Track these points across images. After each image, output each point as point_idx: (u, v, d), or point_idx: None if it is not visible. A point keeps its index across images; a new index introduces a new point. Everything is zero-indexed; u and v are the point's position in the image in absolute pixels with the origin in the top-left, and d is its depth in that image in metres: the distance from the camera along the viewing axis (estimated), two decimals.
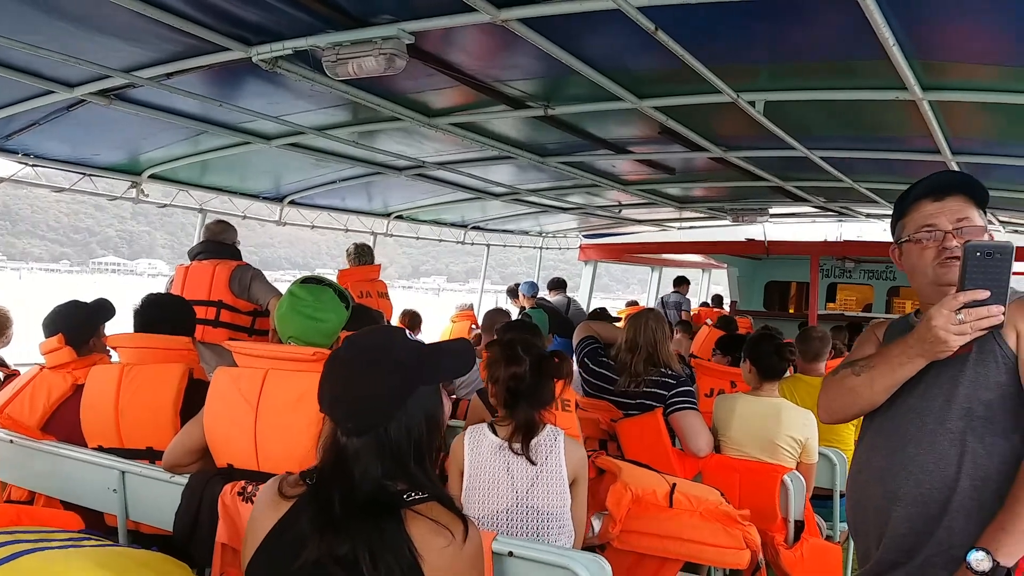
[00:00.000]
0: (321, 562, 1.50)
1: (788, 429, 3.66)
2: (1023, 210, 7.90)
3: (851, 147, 5.68)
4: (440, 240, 11.41)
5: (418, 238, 10.81)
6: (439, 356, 1.77)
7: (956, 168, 5.66)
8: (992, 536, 1.73)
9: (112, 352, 3.26)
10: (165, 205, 7.28)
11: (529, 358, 2.69)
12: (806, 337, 4.75)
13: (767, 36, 3.63)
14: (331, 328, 2.61)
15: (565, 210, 9.88)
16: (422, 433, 1.64)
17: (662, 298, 12.44)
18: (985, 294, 1.73)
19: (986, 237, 1.92)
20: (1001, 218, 8.54)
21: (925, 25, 3.22)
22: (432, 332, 9.34)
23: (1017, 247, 1.89)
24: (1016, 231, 9.55)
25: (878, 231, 10.67)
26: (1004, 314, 1.73)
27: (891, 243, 2.10)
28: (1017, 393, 1.82)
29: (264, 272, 5.17)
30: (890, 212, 6.64)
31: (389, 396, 1.63)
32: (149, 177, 6.38)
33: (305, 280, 2.73)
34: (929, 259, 1.94)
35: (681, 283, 12.19)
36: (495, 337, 4.18)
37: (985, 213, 1.99)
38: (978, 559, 1.72)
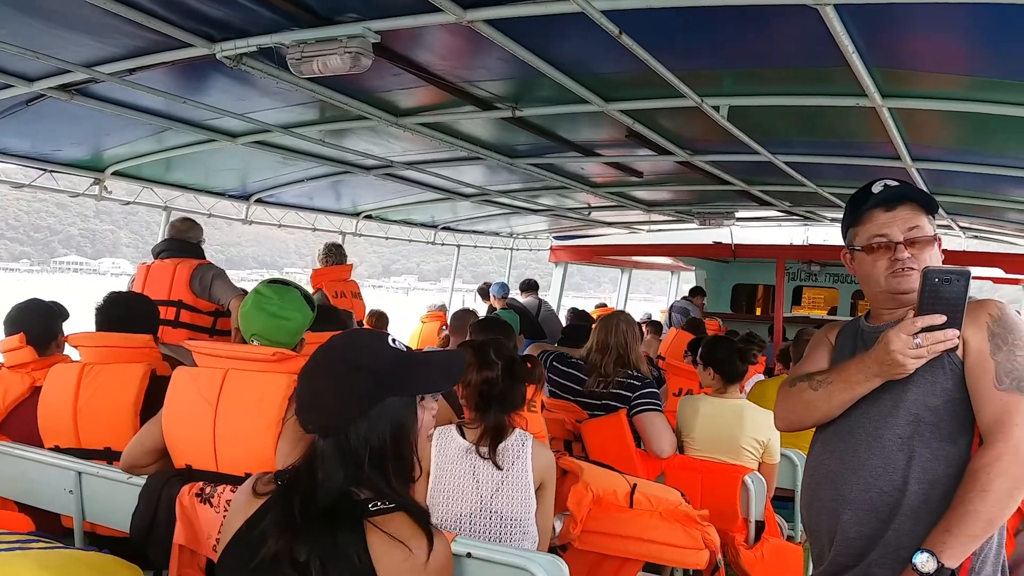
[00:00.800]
0: (278, 560, 1.51)
1: (750, 430, 3.71)
2: (982, 216, 8.05)
3: (814, 152, 5.76)
4: (410, 240, 11.37)
5: (388, 238, 10.77)
6: (418, 368, 1.71)
7: (917, 175, 5.76)
8: (937, 538, 1.76)
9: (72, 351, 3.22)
10: (129, 203, 7.17)
11: (501, 362, 2.68)
12: (798, 340, 4.86)
13: (731, 42, 3.67)
14: (295, 327, 2.59)
15: (535, 211, 9.90)
16: (384, 443, 1.61)
17: (672, 304, 12.40)
18: (942, 319, 1.78)
19: (936, 246, 1.98)
20: (961, 224, 8.70)
21: (884, 34, 3.27)
22: (401, 333, 9.31)
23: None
24: (976, 237, 9.73)
25: (836, 236, 10.82)
26: (959, 337, 1.79)
27: (843, 248, 2.14)
28: (964, 399, 1.86)
29: (231, 271, 5.11)
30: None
31: (348, 400, 1.60)
32: (112, 174, 6.28)
33: (272, 281, 2.71)
34: (881, 269, 1.98)
35: (696, 293, 12.20)
36: (464, 338, 4.18)
37: (934, 219, 2.03)
38: (923, 561, 1.75)
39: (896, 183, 2.01)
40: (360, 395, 1.60)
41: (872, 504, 1.90)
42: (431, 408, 1.73)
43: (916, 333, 1.79)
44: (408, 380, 1.66)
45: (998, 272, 11.62)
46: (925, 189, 6.13)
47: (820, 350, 2.20)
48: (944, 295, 1.79)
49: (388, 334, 1.74)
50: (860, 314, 2.22)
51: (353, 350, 1.67)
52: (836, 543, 1.96)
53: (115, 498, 2.62)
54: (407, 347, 1.73)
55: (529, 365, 2.76)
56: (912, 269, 1.93)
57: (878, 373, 1.87)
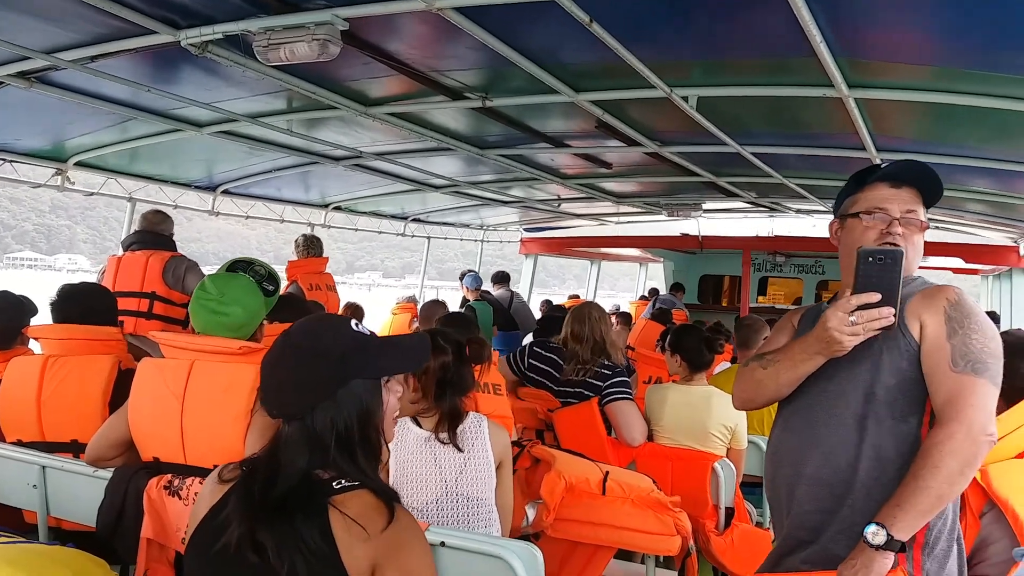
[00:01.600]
0: (240, 546, 1.50)
1: (718, 416, 3.74)
2: (943, 207, 8.18)
3: (781, 143, 5.81)
4: (380, 232, 11.29)
5: (357, 230, 10.69)
6: (382, 350, 1.70)
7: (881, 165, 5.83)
8: (888, 512, 1.81)
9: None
10: (92, 193, 7.04)
11: (450, 346, 2.70)
12: (739, 325, 4.93)
13: (700, 32, 3.69)
14: (236, 321, 2.53)
15: (506, 203, 9.89)
16: (350, 427, 1.61)
17: (659, 296, 12.43)
18: (877, 297, 1.84)
19: (920, 236, 2.03)
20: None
21: (851, 24, 3.30)
22: (374, 325, 9.26)
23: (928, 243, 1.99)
24: (937, 227, 9.89)
25: (807, 227, 10.95)
26: (895, 315, 1.84)
27: (834, 220, 2.17)
28: (918, 379, 1.91)
29: None
30: (819, 208, 6.85)
31: (312, 384, 1.60)
32: (75, 165, 6.17)
33: (231, 266, 2.67)
34: (870, 239, 2.01)
35: (678, 288, 12.26)
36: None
37: (927, 211, 2.06)
38: (873, 532, 1.79)
39: (906, 161, 2.06)
40: (324, 379, 1.60)
41: (827, 480, 1.95)
42: (396, 391, 1.73)
43: (852, 311, 1.84)
44: (372, 362, 1.66)
45: (958, 262, 11.86)
46: None
47: (782, 334, 2.25)
48: (878, 274, 1.85)
49: (351, 318, 1.73)
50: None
51: (314, 334, 1.66)
52: (792, 517, 2.02)
53: (80, 492, 2.58)
54: (370, 332, 1.72)
55: (475, 345, 2.78)
56: (898, 246, 1.96)
57: (819, 351, 1.92)
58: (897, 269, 1.85)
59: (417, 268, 12.56)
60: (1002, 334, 1.96)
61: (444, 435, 2.57)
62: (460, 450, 2.57)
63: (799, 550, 2.00)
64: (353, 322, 1.71)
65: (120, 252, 5.11)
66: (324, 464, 1.58)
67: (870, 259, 1.85)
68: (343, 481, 1.56)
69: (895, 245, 1.96)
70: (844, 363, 1.95)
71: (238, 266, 2.68)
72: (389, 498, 1.58)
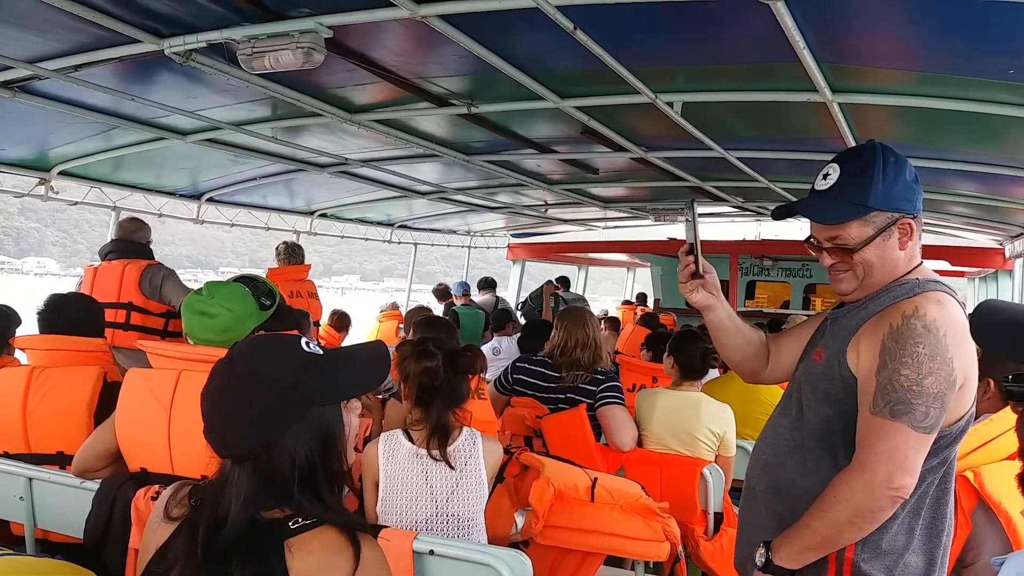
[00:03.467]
0: None
1: (707, 422, 3.74)
2: (929, 210, 8.24)
3: (766, 148, 5.84)
4: (366, 239, 11.28)
5: (343, 237, 10.66)
6: (338, 370, 1.52)
7: None
8: (779, 539, 1.83)
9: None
10: (77, 203, 7.01)
11: (441, 353, 2.64)
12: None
13: (685, 38, 3.70)
14: (220, 324, 2.51)
15: (492, 209, 9.90)
16: (311, 459, 1.43)
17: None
18: (687, 246, 2.05)
19: (865, 251, 1.90)
20: None
21: (834, 30, 3.33)
22: (360, 332, 9.23)
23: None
24: (923, 231, 9.94)
25: (795, 230, 11.00)
26: (695, 263, 2.04)
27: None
28: (852, 412, 1.81)
29: None
30: None
31: (266, 418, 1.42)
32: (59, 174, 6.13)
33: (236, 280, 2.67)
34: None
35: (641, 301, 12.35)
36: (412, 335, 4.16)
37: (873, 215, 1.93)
38: (760, 553, 1.83)
39: (836, 172, 1.90)
40: (279, 412, 1.42)
41: (765, 499, 1.98)
42: (355, 409, 1.59)
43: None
44: (330, 386, 1.49)
45: (944, 264, 11.94)
46: None
47: (813, 320, 2.18)
48: (689, 224, 2.06)
49: (300, 336, 1.57)
50: (813, 308, 2.27)
51: (263, 361, 1.47)
52: (739, 530, 2.10)
53: (68, 504, 2.56)
54: (324, 348, 1.57)
55: (468, 355, 2.73)
56: (844, 272, 1.90)
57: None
58: (689, 218, 2.03)
59: (396, 271, 12.58)
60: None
61: (436, 451, 2.51)
62: (452, 467, 2.51)
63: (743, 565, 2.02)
64: (304, 341, 1.54)
65: (97, 261, 5.06)
66: (279, 504, 1.42)
67: (684, 206, 2.07)
68: (299, 520, 1.40)
69: (841, 273, 1.91)
70: (793, 390, 1.98)
71: (241, 280, 2.67)
72: (353, 533, 1.42)
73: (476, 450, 2.57)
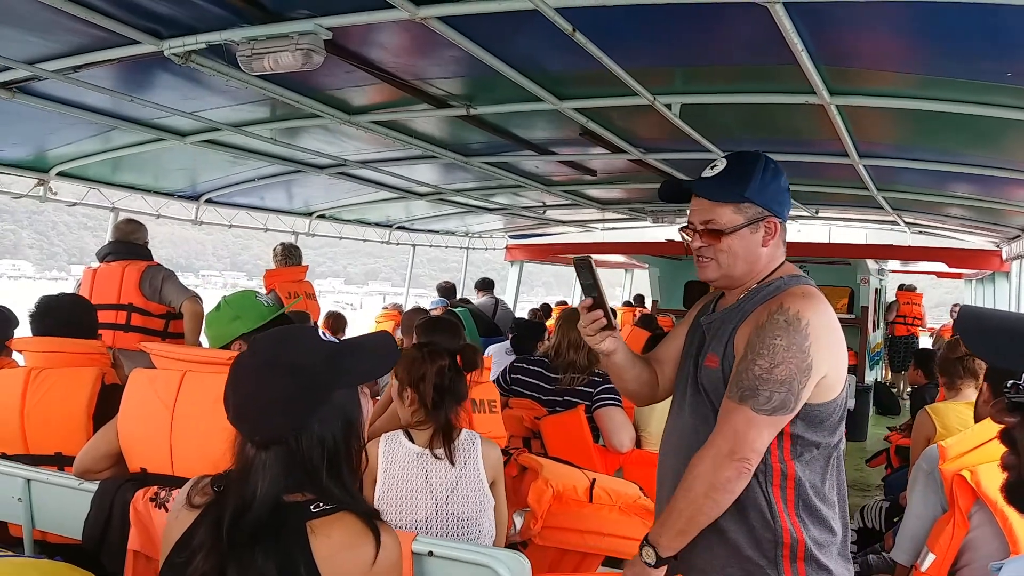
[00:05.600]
0: None
1: None
2: (927, 212, 8.26)
3: (764, 149, 5.76)
4: (364, 240, 11.28)
5: (341, 238, 10.68)
6: (356, 356, 1.63)
7: (864, 171, 5.89)
8: (655, 530, 1.91)
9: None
10: (75, 204, 7.01)
11: (445, 354, 2.68)
12: None
13: (683, 40, 3.71)
14: (233, 312, 2.70)
15: (491, 210, 9.90)
16: (337, 443, 1.52)
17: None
18: (589, 302, 2.03)
19: (732, 237, 2.02)
20: (906, 219, 8.90)
21: (833, 33, 3.33)
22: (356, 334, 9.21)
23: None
24: (920, 232, 9.97)
25: (792, 232, 10.99)
26: (605, 316, 2.02)
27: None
28: None
29: None
30: (802, 214, 6.87)
31: (295, 404, 1.51)
32: (57, 175, 6.13)
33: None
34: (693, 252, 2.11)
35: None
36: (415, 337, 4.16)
37: (747, 205, 2.04)
38: (646, 553, 1.89)
39: (723, 164, 2.05)
40: (309, 396, 1.51)
41: (667, 485, 2.04)
42: (366, 393, 1.69)
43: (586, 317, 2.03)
44: (348, 370, 1.59)
45: (941, 266, 11.95)
46: (871, 184, 6.28)
47: (681, 326, 2.30)
48: (584, 282, 2.04)
49: (316, 327, 1.72)
50: None
51: (289, 350, 1.57)
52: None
53: (66, 505, 2.55)
54: (336, 339, 1.68)
55: (471, 353, 2.77)
56: (708, 259, 2.04)
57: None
58: (587, 274, 2.01)
59: (381, 274, 12.58)
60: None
61: (439, 450, 2.54)
62: (453, 464, 2.54)
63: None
64: (320, 332, 1.65)
65: (77, 264, 5.07)
66: (302, 488, 1.49)
67: (577, 269, 2.03)
68: (320, 504, 1.47)
69: (707, 259, 2.04)
70: (709, 395, 2.01)
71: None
72: (372, 520, 1.50)
73: (475, 451, 2.59)
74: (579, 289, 12.89)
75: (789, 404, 1.84)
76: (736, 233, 2.00)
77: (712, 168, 2.06)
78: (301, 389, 1.51)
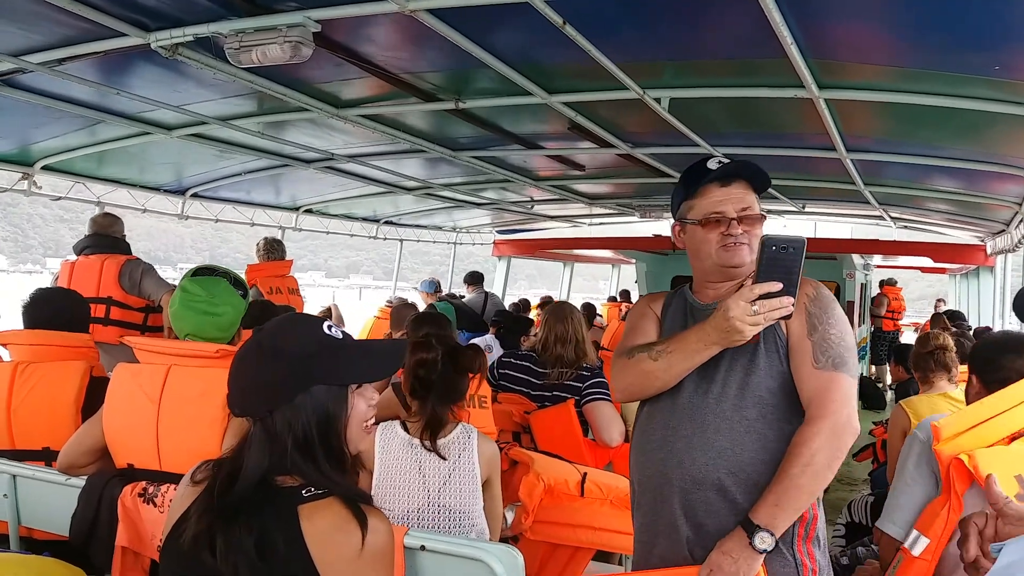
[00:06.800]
0: (197, 544, 1.49)
1: None
2: (912, 206, 8.30)
3: (752, 144, 5.86)
4: (352, 235, 11.25)
5: (328, 232, 10.64)
6: (350, 357, 1.64)
7: (851, 166, 5.91)
8: (767, 512, 1.86)
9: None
10: (60, 198, 6.94)
11: (442, 348, 2.66)
12: None
13: (673, 34, 3.71)
14: (227, 321, 2.56)
15: (478, 205, 9.88)
16: (308, 433, 1.56)
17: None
18: (778, 286, 1.86)
19: (761, 226, 2.10)
20: (892, 214, 8.95)
21: (821, 26, 3.34)
22: (352, 328, 9.18)
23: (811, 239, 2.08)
24: (906, 226, 10.03)
25: (778, 227, 11.05)
26: (793, 304, 1.87)
27: (675, 222, 2.24)
28: (789, 378, 1.99)
29: None
30: (790, 208, 6.89)
31: (271, 385, 1.57)
32: (42, 168, 6.07)
33: (197, 272, 2.65)
34: (713, 243, 2.08)
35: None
36: (404, 331, 4.15)
37: (761, 199, 2.16)
38: (761, 538, 1.84)
39: (729, 161, 2.12)
40: (283, 381, 1.56)
41: (720, 483, 1.97)
42: (369, 397, 1.67)
43: (754, 300, 1.85)
44: (337, 368, 1.60)
45: (927, 261, 12.04)
46: (858, 178, 6.32)
47: (646, 321, 2.27)
48: (781, 263, 1.86)
49: (325, 319, 1.69)
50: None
51: (281, 335, 1.62)
52: (678, 527, 2.02)
53: (53, 501, 2.54)
54: (344, 334, 1.68)
55: (470, 353, 2.75)
56: (743, 244, 2.05)
57: (717, 341, 1.93)
58: (799, 257, 1.86)
59: (363, 267, 12.53)
60: (985, 331, 2.06)
61: (428, 442, 2.55)
62: (443, 458, 2.54)
63: (687, 549, 2.01)
64: (327, 324, 1.66)
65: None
66: (284, 467, 1.55)
67: (773, 247, 1.86)
68: (311, 489, 1.52)
69: (741, 244, 2.05)
70: (728, 365, 2.00)
71: (203, 272, 2.66)
72: (357, 506, 1.53)
73: (470, 445, 2.59)
74: (567, 283, 12.86)
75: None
76: (762, 221, 2.10)
77: (719, 163, 2.11)
78: (280, 373, 1.56)
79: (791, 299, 1.86)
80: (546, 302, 10.39)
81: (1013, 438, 2.10)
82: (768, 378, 1.98)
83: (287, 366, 1.57)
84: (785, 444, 1.93)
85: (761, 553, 1.85)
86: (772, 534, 1.84)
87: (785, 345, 1.99)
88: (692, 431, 2.02)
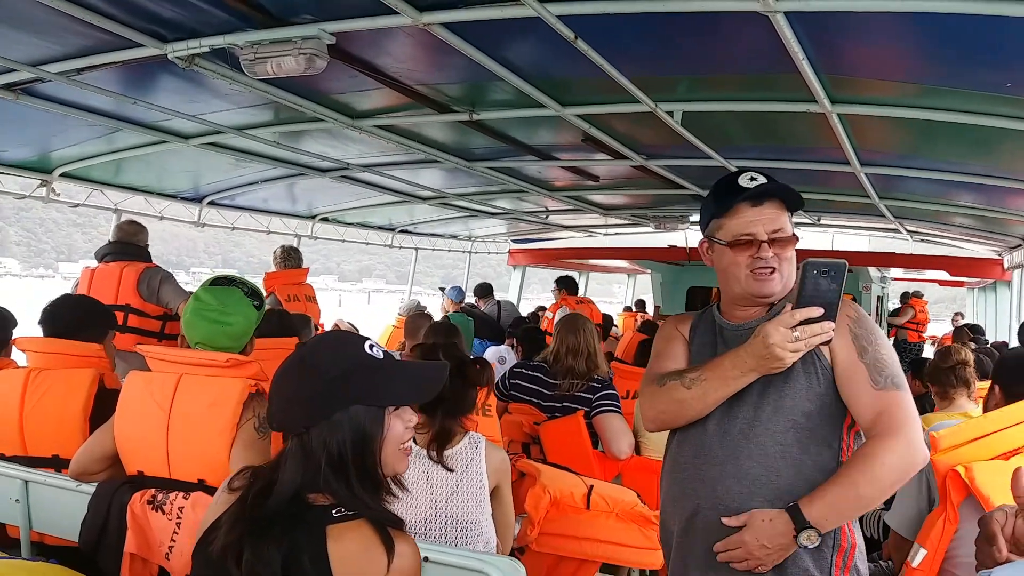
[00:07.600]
0: (223, 552, 1.50)
1: None
2: (928, 220, 8.26)
3: (766, 157, 5.85)
4: (367, 243, 11.30)
5: (344, 241, 10.69)
6: (390, 378, 1.64)
7: (865, 180, 5.89)
8: (820, 514, 1.80)
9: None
10: (78, 204, 7.03)
11: (451, 362, 2.67)
12: None
13: (684, 48, 3.71)
14: (238, 331, 2.56)
15: (493, 215, 9.91)
16: (343, 452, 1.55)
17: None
18: (819, 311, 1.79)
19: (792, 248, 2.00)
20: (908, 227, 8.90)
21: (833, 42, 3.34)
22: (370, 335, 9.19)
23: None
24: (922, 240, 9.97)
25: None
26: (834, 330, 1.81)
27: (703, 238, 2.13)
28: (834, 403, 1.92)
29: None
30: (805, 221, 6.85)
31: (309, 402, 1.57)
32: (61, 176, 6.15)
33: (215, 282, 2.68)
34: (743, 267, 1.97)
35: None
36: (419, 341, 4.17)
37: (792, 217, 2.05)
38: (809, 535, 1.80)
39: (763, 178, 1.99)
40: (322, 399, 1.56)
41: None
42: (407, 420, 1.66)
43: (795, 326, 1.79)
44: (375, 389, 1.60)
45: (943, 275, 11.95)
46: (872, 192, 6.29)
47: (674, 345, 2.17)
48: (822, 288, 1.79)
49: (367, 339, 1.68)
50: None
51: (321, 354, 1.63)
52: (711, 560, 1.94)
53: (64, 507, 2.56)
54: (386, 353, 1.67)
55: (477, 367, 2.76)
56: (773, 270, 1.95)
57: (754, 367, 1.85)
58: (840, 282, 1.79)
59: (376, 271, 12.54)
60: (1003, 346, 2.04)
61: (435, 453, 2.55)
62: (450, 470, 2.54)
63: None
64: (368, 344, 1.66)
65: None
66: (317, 485, 1.55)
67: (815, 272, 1.79)
68: (342, 509, 1.52)
69: (771, 272, 1.94)
70: (761, 389, 1.91)
71: (220, 282, 2.68)
72: (386, 530, 1.53)
73: (478, 455, 2.59)
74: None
75: None
76: (794, 243, 2.00)
77: (752, 179, 1.98)
78: (318, 391, 1.57)
79: (832, 324, 1.79)
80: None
81: (1012, 454, 2.09)
82: (805, 401, 1.90)
83: (326, 384, 1.58)
84: (821, 472, 1.87)
85: (800, 548, 1.81)
86: (820, 535, 1.80)
87: (828, 368, 1.91)
88: (725, 458, 1.94)
